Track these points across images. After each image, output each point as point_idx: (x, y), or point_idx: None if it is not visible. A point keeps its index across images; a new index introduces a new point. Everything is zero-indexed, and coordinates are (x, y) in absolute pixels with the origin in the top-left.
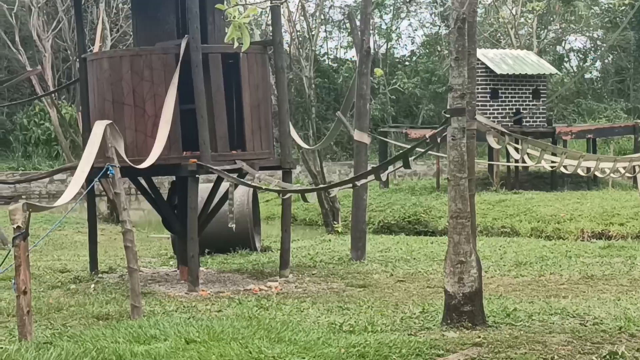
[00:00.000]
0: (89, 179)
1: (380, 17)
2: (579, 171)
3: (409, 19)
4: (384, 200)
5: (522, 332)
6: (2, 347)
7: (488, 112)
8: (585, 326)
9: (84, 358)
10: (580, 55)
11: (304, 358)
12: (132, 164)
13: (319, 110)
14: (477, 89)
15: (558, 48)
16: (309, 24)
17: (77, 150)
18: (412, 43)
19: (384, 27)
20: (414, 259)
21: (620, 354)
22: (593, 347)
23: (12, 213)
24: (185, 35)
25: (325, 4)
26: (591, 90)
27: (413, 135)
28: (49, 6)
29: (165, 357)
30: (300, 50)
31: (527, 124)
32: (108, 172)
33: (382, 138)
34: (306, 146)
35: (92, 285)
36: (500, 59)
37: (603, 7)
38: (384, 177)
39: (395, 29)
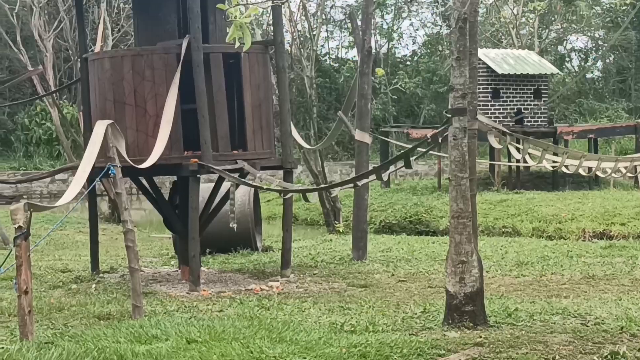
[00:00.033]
0: (90, 179)
1: (382, 16)
2: (581, 171)
3: (410, 19)
4: (386, 200)
5: (523, 332)
6: (3, 347)
7: (489, 112)
8: (587, 326)
9: (85, 358)
10: (582, 55)
11: (305, 358)
12: (133, 164)
13: (320, 110)
14: (479, 88)
15: (559, 48)
16: (310, 23)
17: (78, 150)
18: (414, 43)
19: (385, 26)
20: (416, 258)
21: (621, 354)
22: (594, 347)
23: (14, 213)
24: (187, 35)
25: (326, 3)
26: (592, 90)
27: (414, 135)
28: (50, 6)
29: (166, 357)
30: (302, 50)
31: (529, 123)
32: (109, 172)
33: (383, 138)
34: (307, 146)
35: (94, 285)
36: (501, 59)
37: (604, 7)
38: (385, 177)
39: (397, 29)
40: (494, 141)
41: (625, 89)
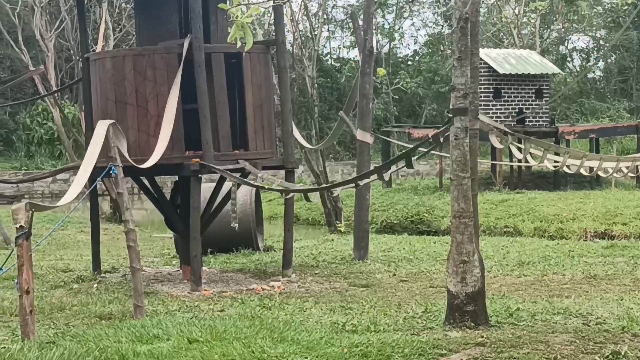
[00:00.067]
0: (92, 179)
1: (383, 16)
2: (582, 171)
3: (412, 19)
4: (387, 199)
5: (524, 331)
6: (5, 347)
7: (491, 111)
8: (588, 326)
9: (86, 357)
10: (583, 55)
11: (307, 358)
12: (134, 164)
13: (321, 109)
14: (480, 88)
15: (561, 48)
16: (311, 23)
17: (79, 150)
18: (415, 43)
19: (386, 26)
20: (417, 258)
21: (623, 353)
22: (596, 346)
23: (15, 212)
24: (188, 35)
25: (327, 3)
26: (594, 89)
27: (416, 134)
28: (51, 6)
29: (167, 356)
30: (303, 49)
31: (530, 123)
32: (111, 172)
33: (384, 138)
34: (309, 146)
35: (95, 285)
36: (503, 59)
37: (606, 7)
38: (386, 176)
39: (398, 29)
40: (495, 141)
41: (627, 89)
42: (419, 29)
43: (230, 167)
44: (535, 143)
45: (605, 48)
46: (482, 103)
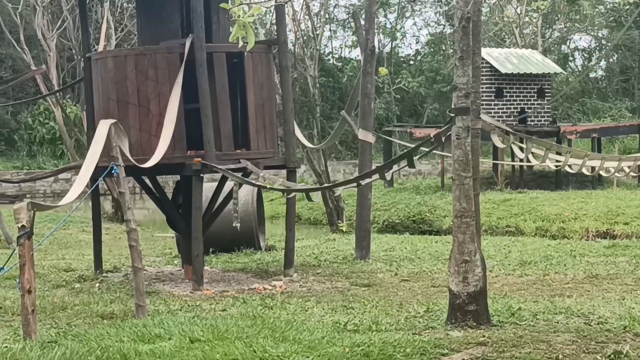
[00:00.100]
0: (94, 178)
1: (385, 16)
2: (584, 170)
3: (414, 18)
4: (389, 199)
5: (526, 331)
6: (7, 346)
7: (493, 111)
8: (590, 325)
9: (88, 357)
10: (585, 55)
11: (309, 357)
12: (136, 163)
13: (323, 109)
14: (482, 88)
15: (563, 47)
16: (313, 23)
17: (81, 150)
18: (417, 42)
19: (388, 26)
20: (419, 258)
21: (624, 353)
22: (597, 346)
23: (17, 212)
24: (190, 35)
25: (329, 3)
26: (596, 89)
27: (417, 134)
28: (53, 5)
29: (169, 356)
30: (305, 49)
31: (532, 123)
32: (112, 171)
33: (386, 137)
34: (311, 145)
35: (97, 284)
36: (504, 58)
37: (608, 6)
38: (388, 176)
39: (400, 28)
40: (497, 140)
41: (629, 88)
42: (420, 29)
43: (232, 166)
44: (537, 142)
45: (607, 47)
46: (484, 102)
